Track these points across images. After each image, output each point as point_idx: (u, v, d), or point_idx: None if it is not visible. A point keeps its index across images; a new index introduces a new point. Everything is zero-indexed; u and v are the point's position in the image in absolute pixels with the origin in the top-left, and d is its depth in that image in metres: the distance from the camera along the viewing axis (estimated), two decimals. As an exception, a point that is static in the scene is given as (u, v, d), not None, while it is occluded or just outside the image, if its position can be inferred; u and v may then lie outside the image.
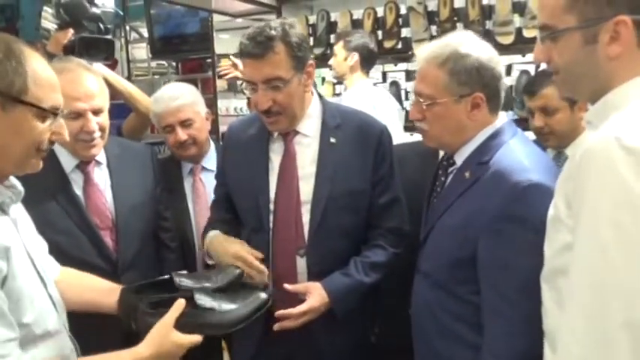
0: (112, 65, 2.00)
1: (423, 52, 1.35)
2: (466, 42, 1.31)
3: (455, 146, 1.36)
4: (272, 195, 1.54)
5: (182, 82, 2.16)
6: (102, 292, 1.33)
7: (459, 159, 1.34)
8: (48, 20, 1.92)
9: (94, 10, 1.91)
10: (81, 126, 1.55)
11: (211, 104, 3.74)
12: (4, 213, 1.08)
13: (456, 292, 1.29)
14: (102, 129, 1.60)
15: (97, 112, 1.58)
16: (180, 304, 1.16)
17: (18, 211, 1.14)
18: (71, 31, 1.84)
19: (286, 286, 1.47)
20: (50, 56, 1.86)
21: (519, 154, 1.25)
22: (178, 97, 1.95)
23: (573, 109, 1.85)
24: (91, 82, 1.59)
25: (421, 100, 1.33)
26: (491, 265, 1.21)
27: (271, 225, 1.54)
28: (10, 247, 1.01)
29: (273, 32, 1.42)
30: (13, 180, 1.12)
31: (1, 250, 0.99)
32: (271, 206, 1.54)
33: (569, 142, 1.88)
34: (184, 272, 1.37)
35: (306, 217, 1.53)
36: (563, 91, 1.11)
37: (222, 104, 4.03)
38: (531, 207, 1.16)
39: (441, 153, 1.74)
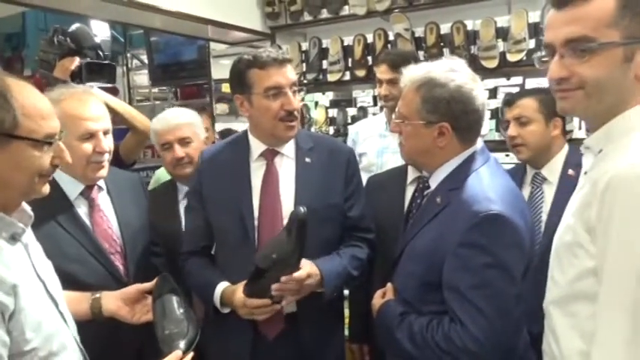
0: (113, 93, 2.11)
1: (409, 72, 1.41)
2: (450, 72, 1.34)
3: (426, 166, 1.44)
4: (256, 212, 1.64)
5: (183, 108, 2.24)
6: (74, 301, 1.37)
7: (433, 183, 1.41)
8: (44, 50, 2.03)
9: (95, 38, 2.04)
10: (94, 146, 1.60)
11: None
12: (15, 242, 1.09)
13: (421, 309, 1.34)
14: (109, 151, 1.66)
15: (105, 134, 1.64)
16: (177, 356, 1.27)
17: (28, 235, 1.15)
18: (77, 58, 1.96)
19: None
20: (57, 81, 1.96)
21: (485, 184, 1.30)
22: (178, 116, 2.05)
23: (548, 125, 1.89)
24: (99, 105, 1.67)
25: (395, 116, 1.43)
26: (449, 288, 1.27)
27: (256, 241, 1.63)
28: (18, 284, 1.03)
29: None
30: (23, 205, 1.14)
31: (8, 287, 1.01)
32: (255, 222, 1.63)
33: (542, 161, 1.93)
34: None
35: None
36: (581, 105, 1.03)
37: (223, 127, 4.12)
38: (489, 235, 1.22)
39: (409, 177, 1.87)
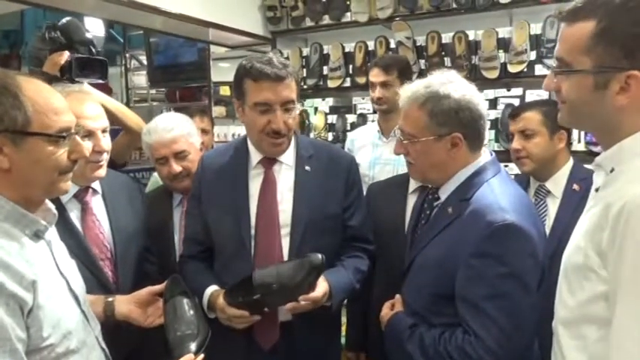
0: (106, 90, 2.04)
1: (406, 91, 1.39)
2: (447, 83, 1.34)
3: (439, 182, 1.42)
4: (253, 220, 1.61)
5: (176, 113, 2.16)
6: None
7: (443, 195, 1.40)
8: (36, 47, 1.96)
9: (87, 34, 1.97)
10: (93, 145, 1.57)
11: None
12: (39, 239, 1.11)
13: (432, 321, 1.33)
14: (108, 150, 1.64)
15: (103, 132, 1.63)
16: (189, 358, 1.28)
17: (51, 233, 1.17)
18: (67, 52, 1.87)
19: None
20: (48, 77, 1.91)
21: (498, 194, 1.29)
22: (172, 128, 1.92)
23: (552, 138, 1.88)
24: (96, 104, 1.66)
25: (402, 138, 1.40)
26: (462, 299, 1.25)
27: (253, 249, 1.61)
28: (38, 280, 1.03)
29: (287, 62, 1.57)
30: (48, 204, 1.15)
31: (28, 283, 1.01)
32: (252, 231, 1.61)
33: (546, 173, 1.92)
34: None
35: (285, 241, 1.61)
36: (565, 120, 1.10)
37: (220, 130, 4.11)
38: (504, 245, 1.21)
39: (411, 187, 1.85)
